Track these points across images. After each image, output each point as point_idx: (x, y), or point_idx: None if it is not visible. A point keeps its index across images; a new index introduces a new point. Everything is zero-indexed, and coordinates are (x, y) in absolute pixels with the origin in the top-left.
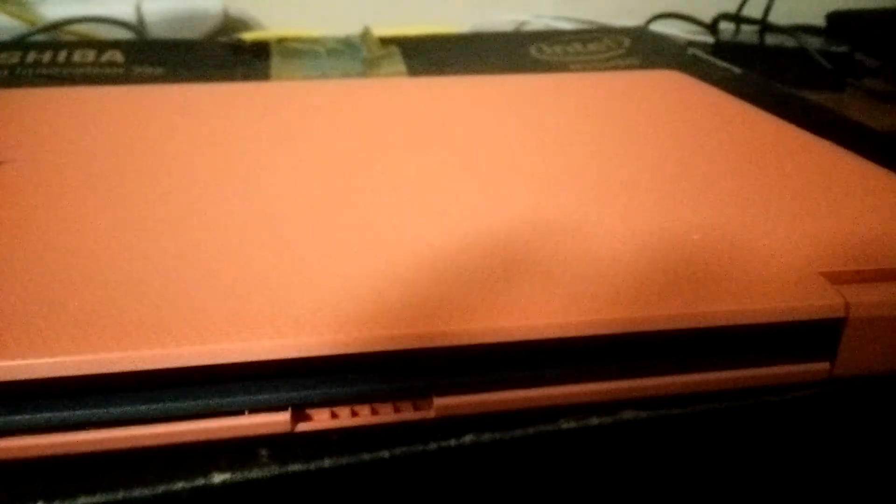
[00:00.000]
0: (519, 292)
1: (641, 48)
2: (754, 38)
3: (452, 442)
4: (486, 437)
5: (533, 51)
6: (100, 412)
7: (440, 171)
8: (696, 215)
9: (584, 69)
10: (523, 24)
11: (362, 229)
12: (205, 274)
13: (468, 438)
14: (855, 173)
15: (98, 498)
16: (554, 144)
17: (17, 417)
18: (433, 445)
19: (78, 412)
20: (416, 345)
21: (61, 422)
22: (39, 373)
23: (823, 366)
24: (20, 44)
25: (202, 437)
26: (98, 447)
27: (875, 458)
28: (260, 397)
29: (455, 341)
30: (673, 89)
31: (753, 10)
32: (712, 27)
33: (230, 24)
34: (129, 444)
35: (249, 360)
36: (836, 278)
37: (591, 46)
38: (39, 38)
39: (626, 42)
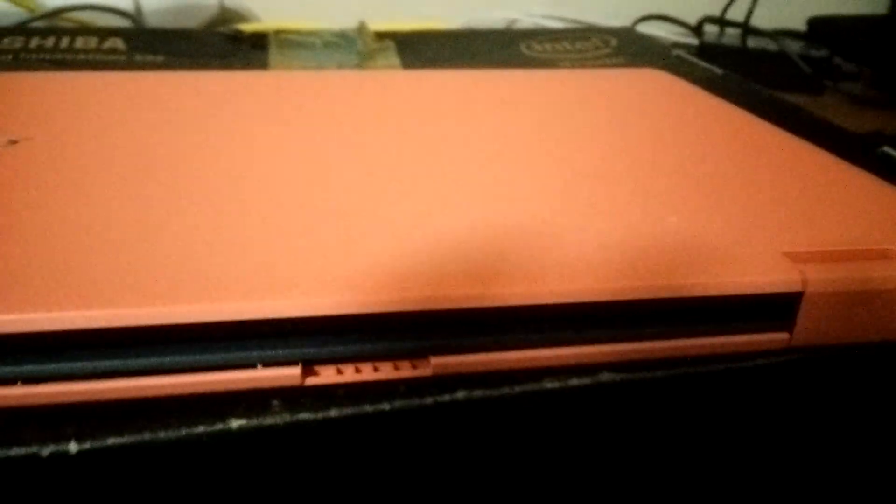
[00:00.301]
0: (506, 264)
1: (628, 48)
2: (737, 41)
3: (447, 397)
4: (477, 393)
5: (523, 48)
6: (130, 363)
7: (433, 156)
8: (674, 202)
9: (572, 66)
10: (514, 21)
11: (364, 207)
12: (223, 242)
13: (461, 394)
14: (823, 168)
15: (126, 439)
16: (540, 136)
17: (55, 366)
18: (429, 400)
19: (109, 362)
20: (414, 307)
21: (94, 370)
22: (80, 324)
23: (784, 336)
24: (22, 29)
25: (221, 388)
26: (126, 395)
27: (834, 423)
28: (273, 353)
29: (450, 305)
30: (656, 87)
31: (738, 13)
32: (697, 29)
33: (227, 15)
34: (155, 393)
35: (265, 318)
36: (797, 258)
37: (580, 45)
38: (40, 24)
39: (614, 42)
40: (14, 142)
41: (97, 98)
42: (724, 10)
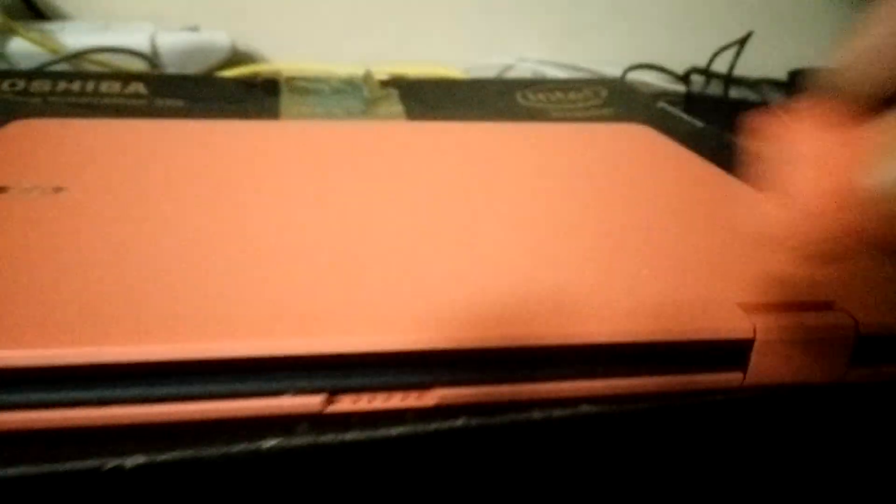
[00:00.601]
0: (498, 309)
1: (617, 99)
2: (722, 91)
3: (448, 425)
4: (475, 421)
5: (519, 97)
6: (180, 389)
7: (433, 207)
8: (647, 255)
9: (564, 117)
10: (509, 67)
11: (377, 255)
12: (261, 285)
13: (460, 422)
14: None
15: (176, 455)
16: (528, 189)
17: (119, 392)
18: (432, 426)
19: (161, 389)
20: (422, 346)
21: (149, 396)
22: (143, 357)
23: (737, 376)
24: (49, 73)
25: (256, 413)
26: (177, 417)
27: (786, 453)
28: (301, 383)
29: (452, 345)
30: (636, 143)
31: (724, 64)
32: (685, 79)
33: (237, 57)
34: (200, 416)
35: (296, 354)
36: (749, 308)
37: (572, 95)
38: (60, 66)
39: (604, 93)
40: (59, 189)
41: (129, 146)
42: (710, 61)
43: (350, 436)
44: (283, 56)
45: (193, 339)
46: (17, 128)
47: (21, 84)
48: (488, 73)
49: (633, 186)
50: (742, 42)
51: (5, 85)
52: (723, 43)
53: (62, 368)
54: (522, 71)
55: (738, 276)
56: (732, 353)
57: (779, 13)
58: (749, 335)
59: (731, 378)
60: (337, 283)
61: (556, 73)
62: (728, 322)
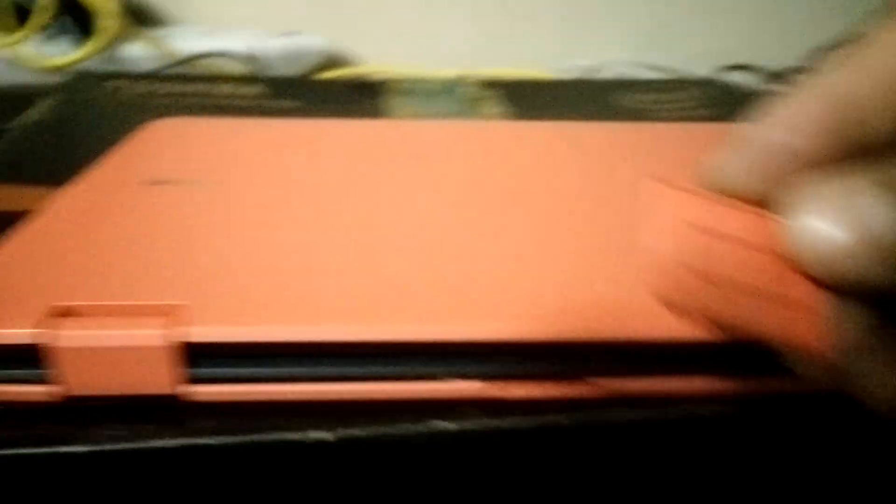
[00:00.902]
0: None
1: (719, 100)
2: None
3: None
4: (636, 414)
5: (618, 98)
6: (358, 370)
7: (552, 205)
8: None
9: (664, 117)
10: (594, 68)
11: (509, 246)
12: (409, 273)
13: (617, 414)
14: None
15: (368, 431)
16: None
17: (320, 369)
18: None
19: (336, 368)
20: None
21: (345, 374)
22: (340, 337)
23: None
24: (172, 76)
25: (428, 396)
26: (351, 396)
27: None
28: (469, 369)
29: (605, 337)
30: None
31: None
32: (780, 79)
33: (332, 60)
34: (386, 396)
35: (466, 340)
36: None
37: (671, 96)
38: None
39: (703, 93)
40: (214, 182)
41: (247, 143)
42: (811, 61)
43: (507, 422)
44: (374, 58)
45: (375, 322)
46: (159, 126)
47: (145, 86)
48: (572, 75)
49: None
50: (846, 42)
51: (131, 87)
52: (813, 42)
53: (264, 345)
54: (607, 72)
55: None
56: None
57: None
58: None
59: None
60: (486, 273)
61: (642, 74)
62: None
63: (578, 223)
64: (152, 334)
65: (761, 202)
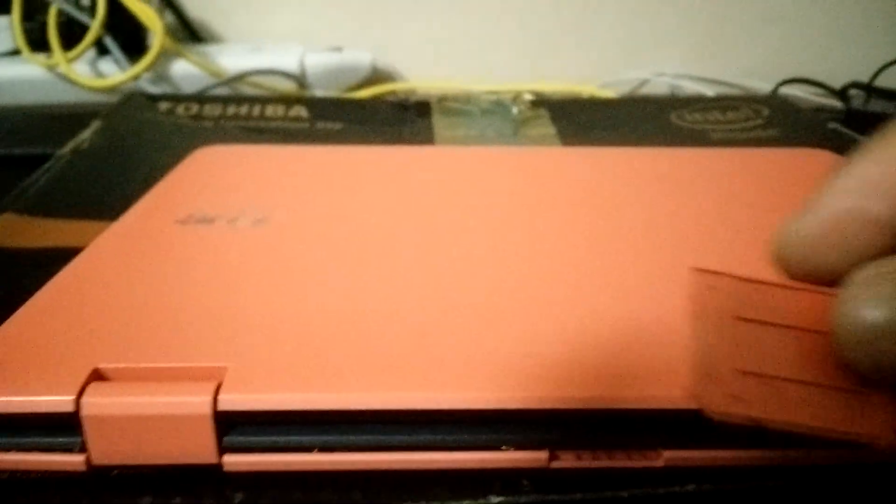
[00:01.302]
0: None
1: (781, 118)
2: (885, 108)
3: (676, 488)
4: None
5: (674, 117)
6: (406, 438)
7: (608, 237)
8: None
9: (724, 139)
10: (645, 81)
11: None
12: (473, 332)
13: (690, 487)
14: None
15: None
16: (708, 220)
17: (349, 438)
18: (661, 490)
19: (390, 437)
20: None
21: (378, 443)
22: (373, 405)
23: None
24: (217, 97)
25: (479, 466)
26: (402, 466)
27: None
28: (524, 438)
29: (677, 405)
30: (819, 170)
31: (888, 80)
32: (842, 94)
33: (378, 76)
34: (425, 466)
35: (523, 409)
36: None
37: (730, 115)
38: (225, 89)
39: (765, 111)
40: (261, 220)
41: (309, 175)
42: (874, 76)
43: (577, 496)
44: (420, 74)
45: (421, 388)
46: (206, 155)
47: (194, 108)
48: (623, 88)
49: None
50: None
51: (180, 109)
52: (879, 56)
53: (310, 413)
54: (659, 86)
55: None
56: None
57: None
58: None
59: None
60: (544, 338)
61: (695, 88)
62: None
63: (652, 271)
64: (193, 401)
65: (833, 276)
